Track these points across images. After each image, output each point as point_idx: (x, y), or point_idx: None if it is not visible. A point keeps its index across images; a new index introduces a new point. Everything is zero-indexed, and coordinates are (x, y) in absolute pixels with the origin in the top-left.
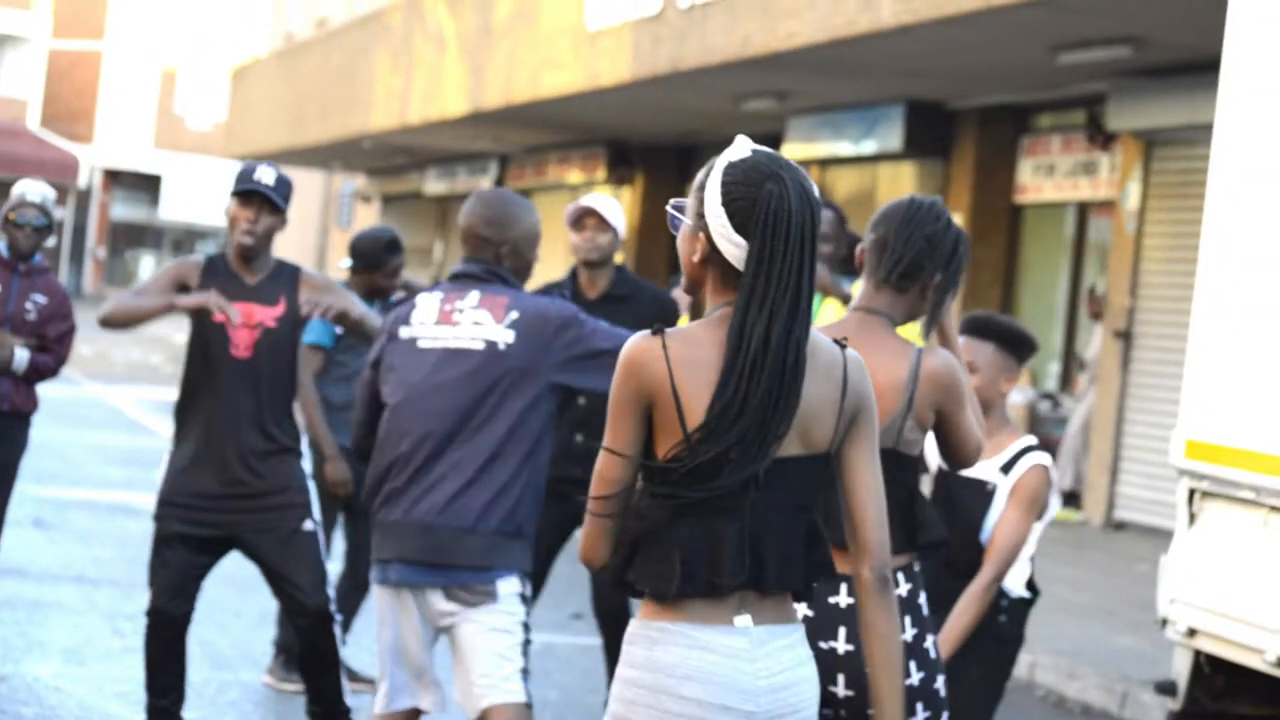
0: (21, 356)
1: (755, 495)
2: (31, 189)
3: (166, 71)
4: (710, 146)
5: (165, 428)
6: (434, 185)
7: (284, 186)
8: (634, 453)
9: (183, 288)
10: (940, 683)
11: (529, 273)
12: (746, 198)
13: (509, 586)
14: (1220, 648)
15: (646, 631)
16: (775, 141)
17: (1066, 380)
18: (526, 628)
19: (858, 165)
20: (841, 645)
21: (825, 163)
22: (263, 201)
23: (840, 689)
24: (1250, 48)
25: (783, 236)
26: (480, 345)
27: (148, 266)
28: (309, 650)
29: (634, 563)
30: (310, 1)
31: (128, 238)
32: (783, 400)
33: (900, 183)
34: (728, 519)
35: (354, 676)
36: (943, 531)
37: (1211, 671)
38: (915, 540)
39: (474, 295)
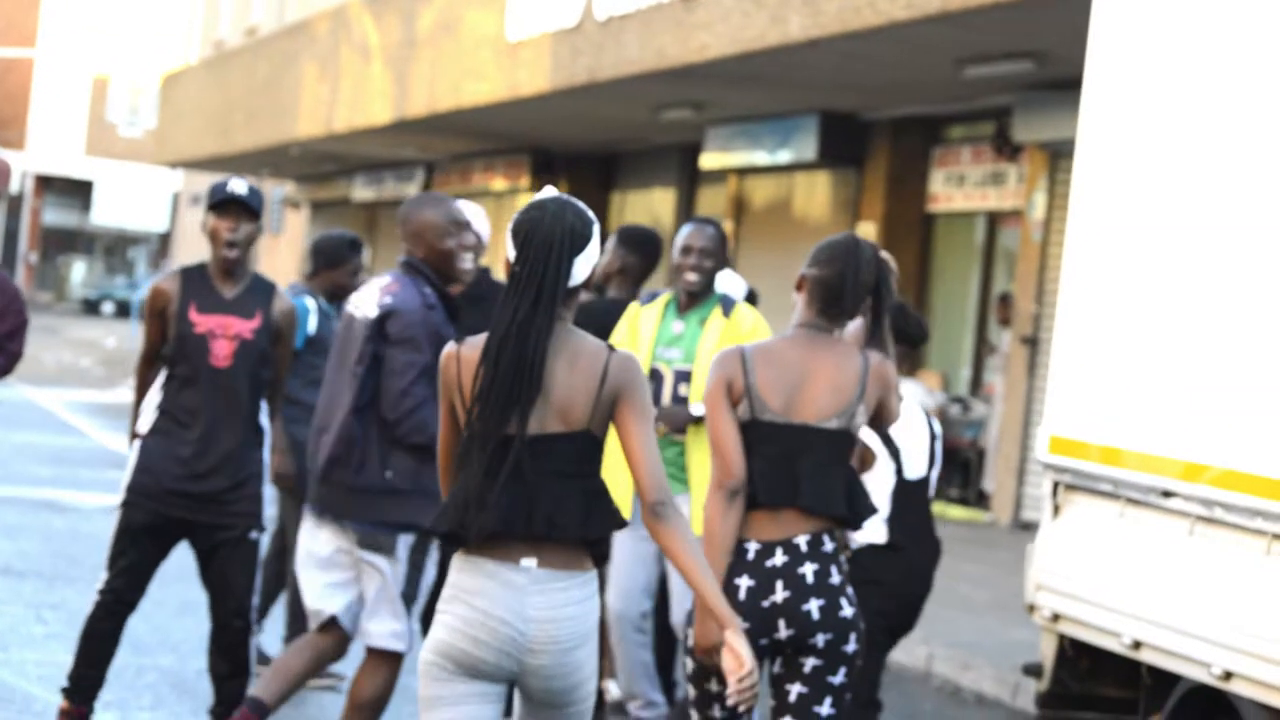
0: None
1: (526, 464)
2: None
3: (98, 79)
4: (632, 155)
5: (93, 429)
6: (362, 192)
7: (256, 195)
8: (450, 432)
9: (164, 314)
10: (861, 623)
11: (450, 260)
12: (518, 222)
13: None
14: (1081, 631)
15: (458, 561)
16: (694, 151)
17: (977, 385)
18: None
19: (774, 174)
20: (780, 595)
21: (743, 172)
22: (239, 210)
23: (781, 632)
24: (1108, 63)
25: (531, 248)
26: (362, 318)
27: (79, 272)
28: (222, 653)
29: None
30: (240, 10)
31: (59, 243)
32: (526, 374)
33: (815, 192)
34: (495, 481)
35: (264, 659)
36: (872, 507)
37: (1075, 654)
38: (853, 509)
39: (385, 279)
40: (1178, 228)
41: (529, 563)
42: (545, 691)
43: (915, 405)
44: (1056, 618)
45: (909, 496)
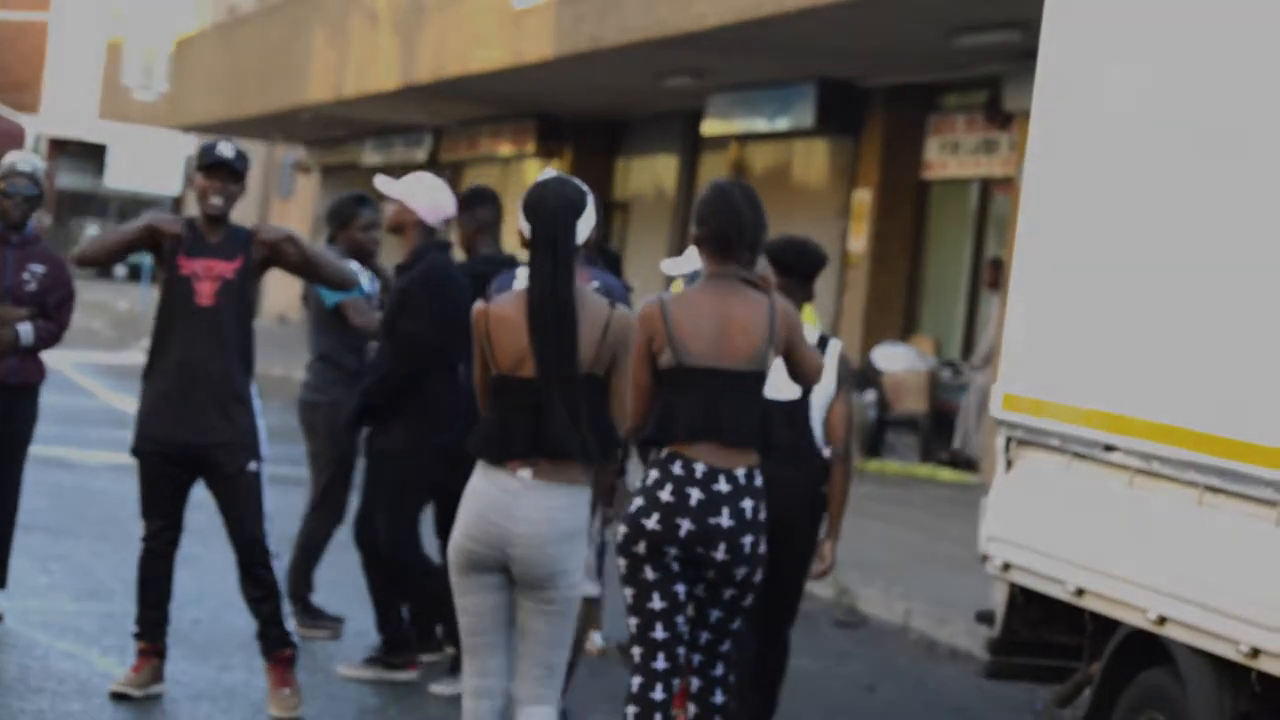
0: (25, 331)
1: (560, 401)
2: (21, 159)
3: (112, 42)
4: (637, 121)
5: (102, 390)
6: (371, 156)
7: (242, 159)
8: (482, 373)
9: (157, 241)
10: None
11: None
12: (527, 200)
13: None
14: (1030, 580)
15: (476, 469)
16: (696, 118)
17: (968, 349)
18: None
19: (773, 141)
20: (725, 521)
21: (743, 138)
22: (227, 173)
23: (720, 554)
24: (1063, 21)
25: (539, 220)
26: None
27: (92, 235)
28: (248, 578)
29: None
30: None
31: (73, 206)
32: (565, 329)
33: (814, 158)
34: (523, 412)
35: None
36: (778, 439)
37: (1026, 603)
38: (767, 441)
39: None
40: (1119, 194)
41: (525, 473)
42: (526, 577)
43: (809, 327)
44: (1007, 567)
45: (777, 415)
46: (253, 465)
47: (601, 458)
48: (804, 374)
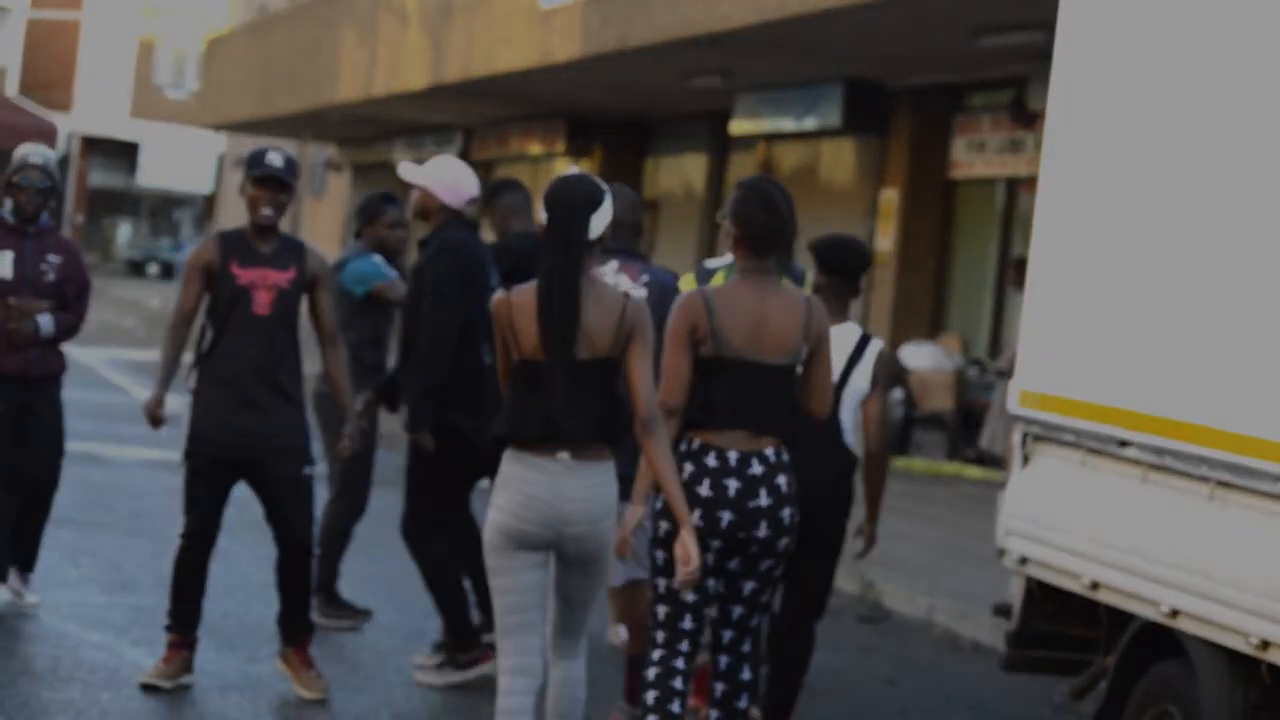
0: (46, 322)
1: (563, 383)
2: (34, 152)
3: (144, 41)
4: (664, 122)
5: (133, 386)
6: (402, 155)
7: (291, 168)
8: (504, 360)
9: (208, 271)
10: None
11: (637, 230)
12: (546, 193)
13: None
14: (1046, 574)
15: (509, 456)
16: (724, 118)
17: (995, 347)
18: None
19: (801, 141)
20: (764, 501)
21: (771, 138)
22: (276, 183)
23: (761, 532)
24: (1080, 18)
25: (554, 214)
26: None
27: (125, 233)
28: (287, 573)
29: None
30: None
31: (105, 204)
32: (569, 315)
33: (841, 158)
34: (542, 397)
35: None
36: (800, 426)
37: (1042, 596)
38: (795, 431)
39: (613, 264)
40: (1133, 193)
41: (564, 455)
42: (579, 554)
43: (851, 324)
44: (1024, 561)
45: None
46: (307, 470)
47: (610, 438)
48: (811, 393)
